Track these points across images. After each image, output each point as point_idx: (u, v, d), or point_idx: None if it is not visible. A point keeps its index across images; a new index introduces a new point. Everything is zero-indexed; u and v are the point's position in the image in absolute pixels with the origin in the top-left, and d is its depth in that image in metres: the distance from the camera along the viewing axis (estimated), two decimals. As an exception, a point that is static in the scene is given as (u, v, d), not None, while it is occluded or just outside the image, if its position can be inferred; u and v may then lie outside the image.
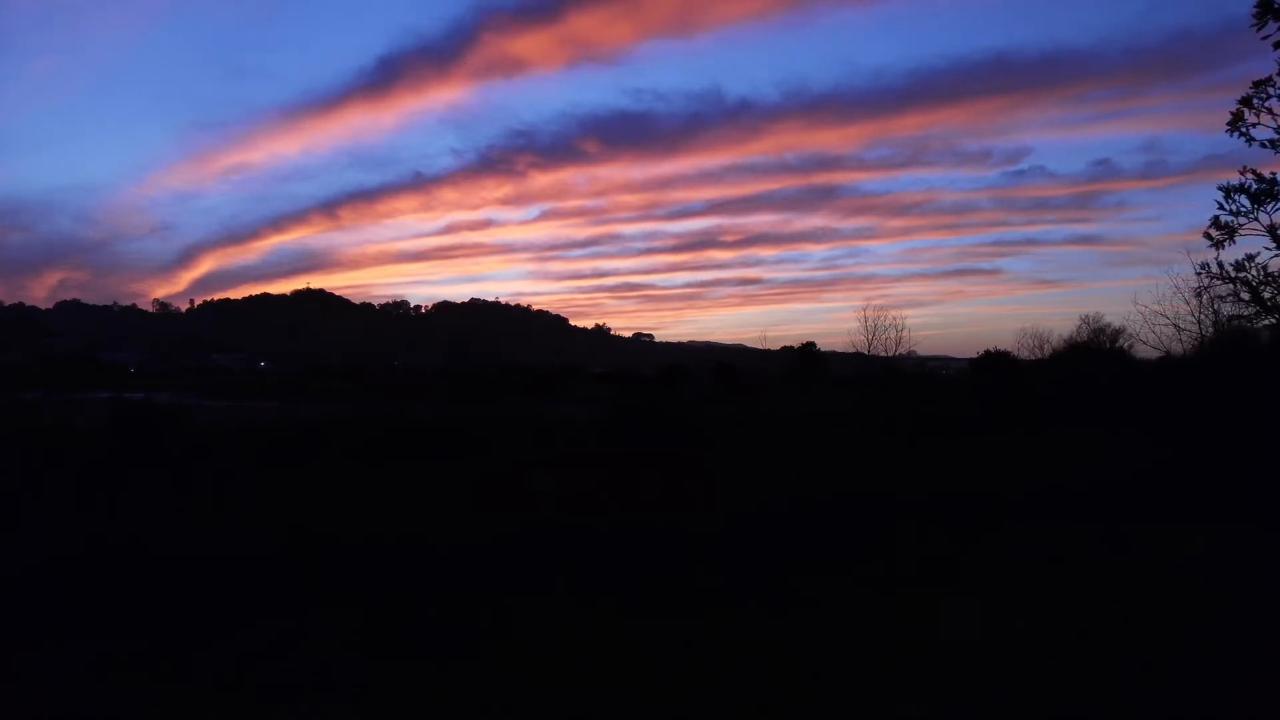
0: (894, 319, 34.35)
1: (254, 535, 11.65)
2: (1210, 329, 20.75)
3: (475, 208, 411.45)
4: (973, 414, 27.45)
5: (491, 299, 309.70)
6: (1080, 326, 36.95)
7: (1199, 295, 20.69)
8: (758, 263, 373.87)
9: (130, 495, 14.50)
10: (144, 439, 18.58)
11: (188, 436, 20.21)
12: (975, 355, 45.76)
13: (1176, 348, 22.33)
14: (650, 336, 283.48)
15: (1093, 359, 32.78)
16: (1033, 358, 37.37)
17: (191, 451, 18.26)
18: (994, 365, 39.10)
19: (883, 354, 33.36)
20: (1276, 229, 15.55)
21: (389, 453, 20.11)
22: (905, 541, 12.24)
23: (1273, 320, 16.88)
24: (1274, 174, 15.47)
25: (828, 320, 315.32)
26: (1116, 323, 35.89)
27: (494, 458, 20.96)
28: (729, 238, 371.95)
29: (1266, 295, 16.06)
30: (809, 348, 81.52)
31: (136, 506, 13.62)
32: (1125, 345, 33.23)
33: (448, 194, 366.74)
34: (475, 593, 9.60)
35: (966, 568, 11.08)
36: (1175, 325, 21.99)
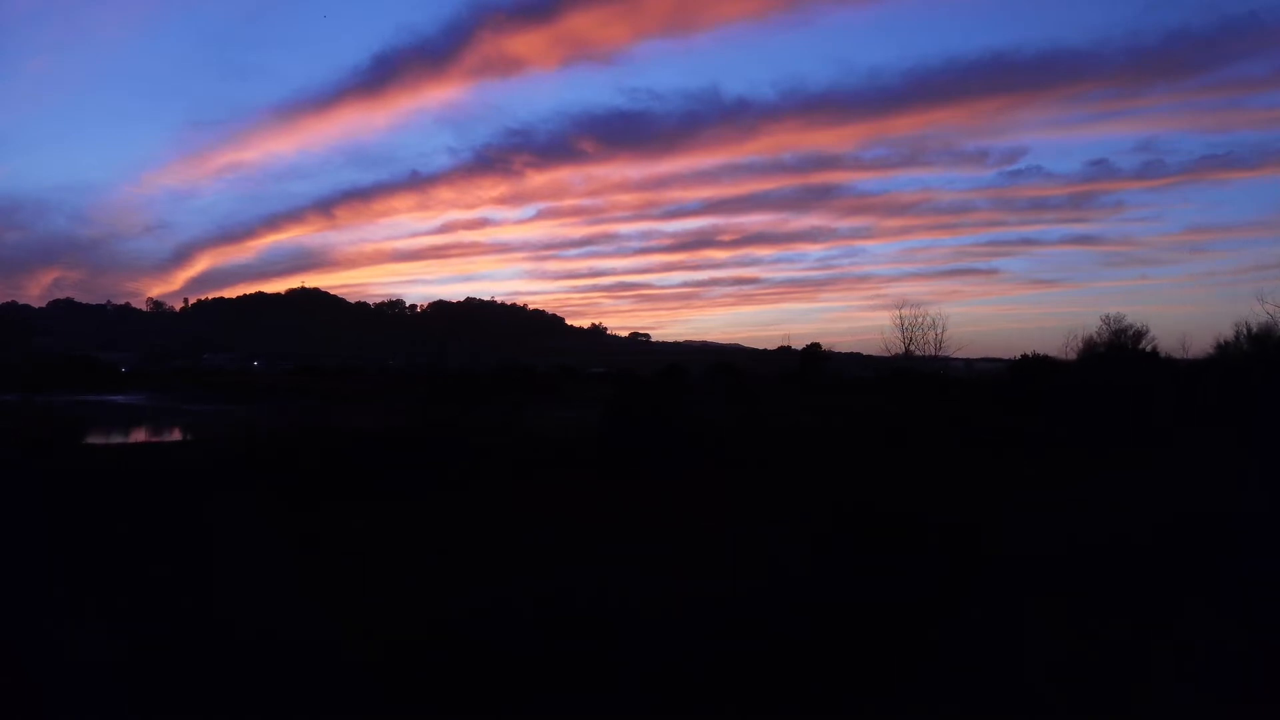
0: (933, 319, 31.83)
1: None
2: None
3: (471, 207, 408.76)
4: (1013, 425, 25.35)
5: (487, 298, 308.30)
6: (1100, 327, 35.01)
7: None
8: (754, 262, 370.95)
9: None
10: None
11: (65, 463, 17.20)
12: (971, 357, 43.05)
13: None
14: (646, 336, 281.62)
15: (1124, 362, 30.71)
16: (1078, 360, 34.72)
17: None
18: (1033, 370, 36.46)
19: (921, 354, 31.30)
20: None
21: (333, 482, 17.06)
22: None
23: None
24: None
25: (824, 320, 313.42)
26: (1138, 323, 34.00)
27: (465, 484, 18.41)
28: (725, 237, 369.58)
29: None
30: (814, 348, 79.95)
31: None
32: (1147, 346, 31.59)
33: (444, 193, 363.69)
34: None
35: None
36: None
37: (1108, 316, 34.27)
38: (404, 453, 19.02)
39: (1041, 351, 42.55)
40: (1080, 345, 34.62)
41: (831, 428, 28.62)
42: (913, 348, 31.50)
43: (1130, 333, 33.18)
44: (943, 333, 31.92)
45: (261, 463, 18.42)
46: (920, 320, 31.73)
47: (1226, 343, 33.30)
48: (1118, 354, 31.58)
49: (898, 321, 32.29)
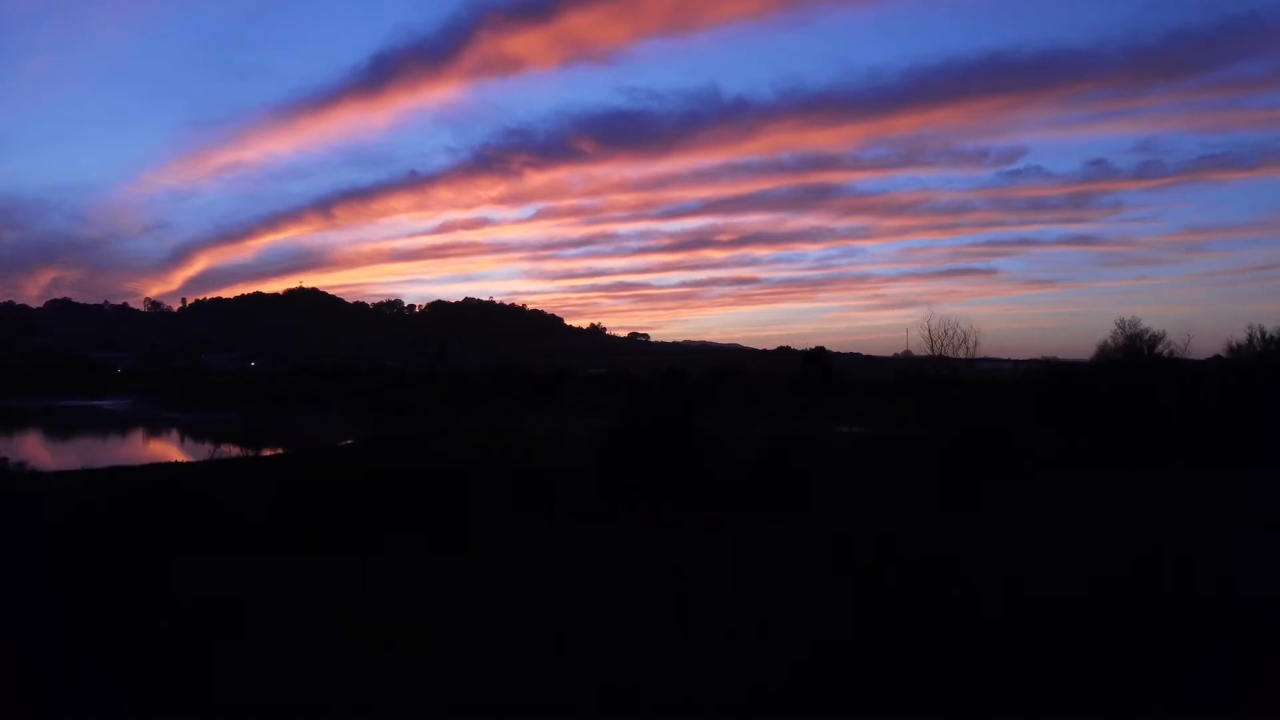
0: (964, 324, 30.54)
1: None
2: None
3: (470, 206, 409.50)
4: (1028, 433, 24.21)
5: (486, 298, 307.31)
6: (1115, 332, 34.19)
7: None
8: (753, 262, 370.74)
9: None
10: None
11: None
12: (972, 356, 40.04)
13: None
14: (645, 336, 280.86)
15: (1141, 368, 29.39)
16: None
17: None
18: (1059, 375, 33.96)
19: (950, 359, 30.25)
20: None
21: (331, 483, 16.52)
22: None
23: None
24: None
25: (822, 320, 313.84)
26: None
27: (465, 485, 17.60)
28: (724, 237, 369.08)
29: None
30: (819, 352, 79.79)
31: None
32: (1165, 352, 30.72)
33: (443, 193, 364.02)
34: None
35: None
36: None
37: (1123, 320, 33.47)
38: (403, 454, 18.79)
39: (1049, 353, 41.32)
40: (1099, 350, 33.52)
41: (844, 437, 28.16)
42: (943, 353, 30.39)
43: (1146, 337, 32.55)
44: (975, 344, 30.53)
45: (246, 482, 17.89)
46: (952, 330, 30.44)
47: (1238, 346, 32.80)
48: (1134, 359, 30.83)
49: (925, 331, 31.00)
